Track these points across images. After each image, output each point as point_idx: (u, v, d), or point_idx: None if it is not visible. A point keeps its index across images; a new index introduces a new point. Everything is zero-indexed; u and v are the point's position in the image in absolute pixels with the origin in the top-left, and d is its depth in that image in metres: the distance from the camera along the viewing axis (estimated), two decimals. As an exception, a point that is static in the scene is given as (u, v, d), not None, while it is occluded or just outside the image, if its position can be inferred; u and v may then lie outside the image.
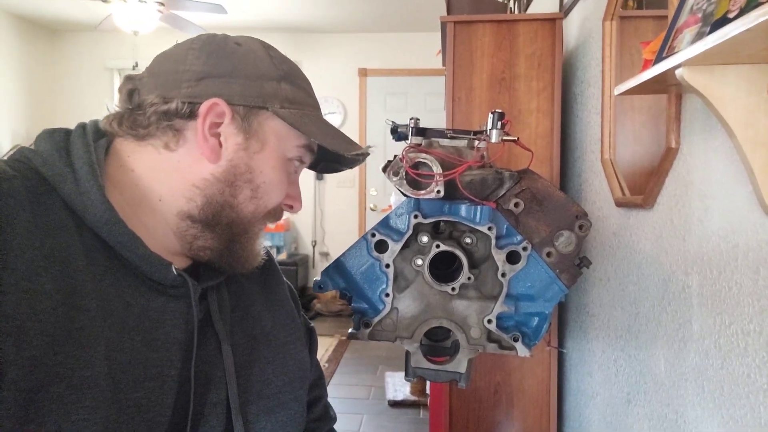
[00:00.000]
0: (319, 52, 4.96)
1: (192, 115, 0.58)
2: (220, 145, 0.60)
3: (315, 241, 5.02)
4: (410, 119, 0.95)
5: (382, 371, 3.15)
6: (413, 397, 2.69)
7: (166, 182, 0.59)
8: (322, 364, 3.29)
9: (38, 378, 0.45)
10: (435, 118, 4.23)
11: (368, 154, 0.67)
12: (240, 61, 0.60)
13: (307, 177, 4.97)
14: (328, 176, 4.99)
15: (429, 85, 4.80)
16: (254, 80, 0.60)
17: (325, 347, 3.64)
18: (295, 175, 0.67)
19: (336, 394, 2.88)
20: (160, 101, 0.58)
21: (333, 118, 4.96)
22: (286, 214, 0.70)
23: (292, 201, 0.67)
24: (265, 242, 0.67)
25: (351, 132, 4.87)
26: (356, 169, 4.94)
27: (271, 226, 0.68)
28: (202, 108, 0.58)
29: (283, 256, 4.60)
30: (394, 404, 2.69)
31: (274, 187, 0.63)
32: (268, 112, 0.60)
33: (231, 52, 0.60)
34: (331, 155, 0.67)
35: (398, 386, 2.81)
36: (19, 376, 0.44)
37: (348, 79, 4.97)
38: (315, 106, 0.66)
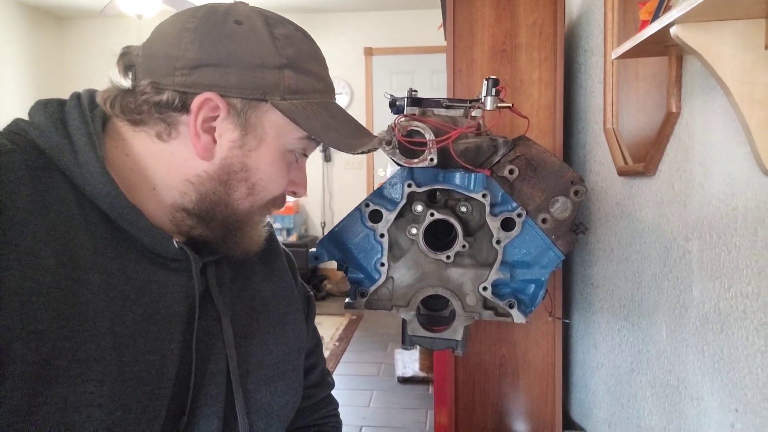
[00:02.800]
0: (326, 32, 4.91)
1: (184, 108, 0.55)
2: (214, 141, 0.57)
3: (324, 223, 5.04)
4: (408, 90, 0.95)
5: (392, 348, 3.18)
6: (422, 374, 2.71)
7: (159, 173, 0.57)
8: (332, 342, 3.33)
9: (44, 352, 0.46)
10: (441, 95, 4.18)
11: (375, 149, 0.63)
12: (238, 45, 0.56)
13: (314, 159, 4.97)
14: (335, 158, 4.98)
15: (435, 62, 4.75)
16: (253, 69, 0.56)
17: (335, 326, 3.67)
18: (297, 162, 0.64)
19: (346, 371, 2.92)
20: (152, 91, 0.55)
21: (340, 99, 4.93)
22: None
23: (295, 187, 0.64)
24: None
25: (357, 113, 4.85)
26: (364, 150, 4.93)
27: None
28: (194, 103, 0.55)
29: (293, 238, 4.62)
30: (404, 380, 2.71)
31: (272, 182, 0.60)
32: (268, 104, 0.57)
33: (229, 34, 0.56)
34: None
35: (407, 363, 2.84)
36: (26, 350, 0.45)
37: (354, 59, 4.93)
38: (323, 90, 0.62)
